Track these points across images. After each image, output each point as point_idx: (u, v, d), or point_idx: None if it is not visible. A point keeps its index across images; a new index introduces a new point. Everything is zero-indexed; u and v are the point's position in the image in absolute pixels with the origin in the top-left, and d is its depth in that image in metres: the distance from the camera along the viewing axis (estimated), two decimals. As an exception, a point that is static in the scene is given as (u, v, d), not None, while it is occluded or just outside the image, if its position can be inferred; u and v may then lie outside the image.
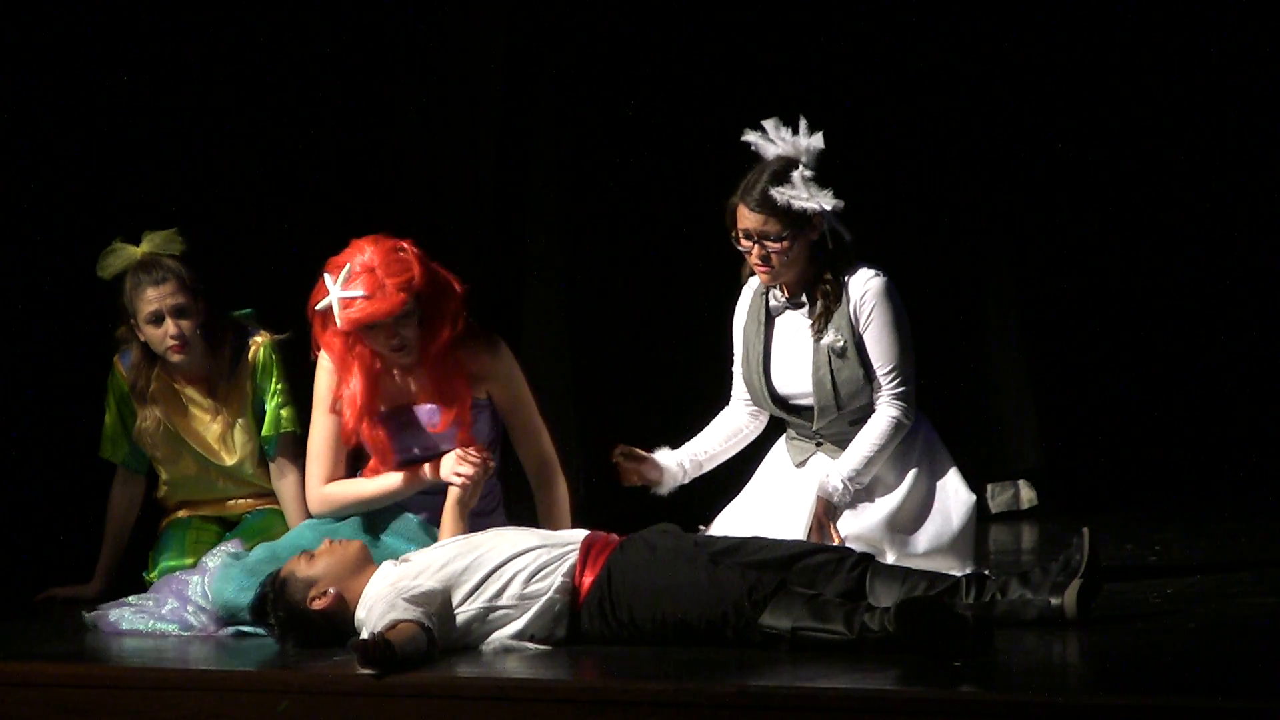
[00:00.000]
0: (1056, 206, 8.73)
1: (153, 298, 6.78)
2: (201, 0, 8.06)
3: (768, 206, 6.19)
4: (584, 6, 8.41)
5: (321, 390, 6.44)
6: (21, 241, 7.81)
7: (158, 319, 6.79)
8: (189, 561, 6.77)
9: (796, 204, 6.17)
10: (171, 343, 6.79)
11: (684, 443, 6.54)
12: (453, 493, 6.26)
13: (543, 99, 8.46)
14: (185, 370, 6.89)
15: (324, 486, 6.43)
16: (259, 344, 6.92)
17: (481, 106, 8.43)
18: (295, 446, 6.89)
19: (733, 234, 6.26)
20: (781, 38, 8.42)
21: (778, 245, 6.20)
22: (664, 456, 6.46)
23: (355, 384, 6.35)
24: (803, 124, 6.23)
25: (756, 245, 6.22)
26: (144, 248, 6.87)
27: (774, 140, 6.24)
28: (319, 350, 6.41)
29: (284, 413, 6.92)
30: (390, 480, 6.37)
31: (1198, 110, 8.68)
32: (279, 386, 6.92)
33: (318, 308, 6.28)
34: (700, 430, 6.58)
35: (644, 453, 6.41)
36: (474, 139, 8.44)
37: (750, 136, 6.27)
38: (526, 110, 8.44)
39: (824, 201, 6.17)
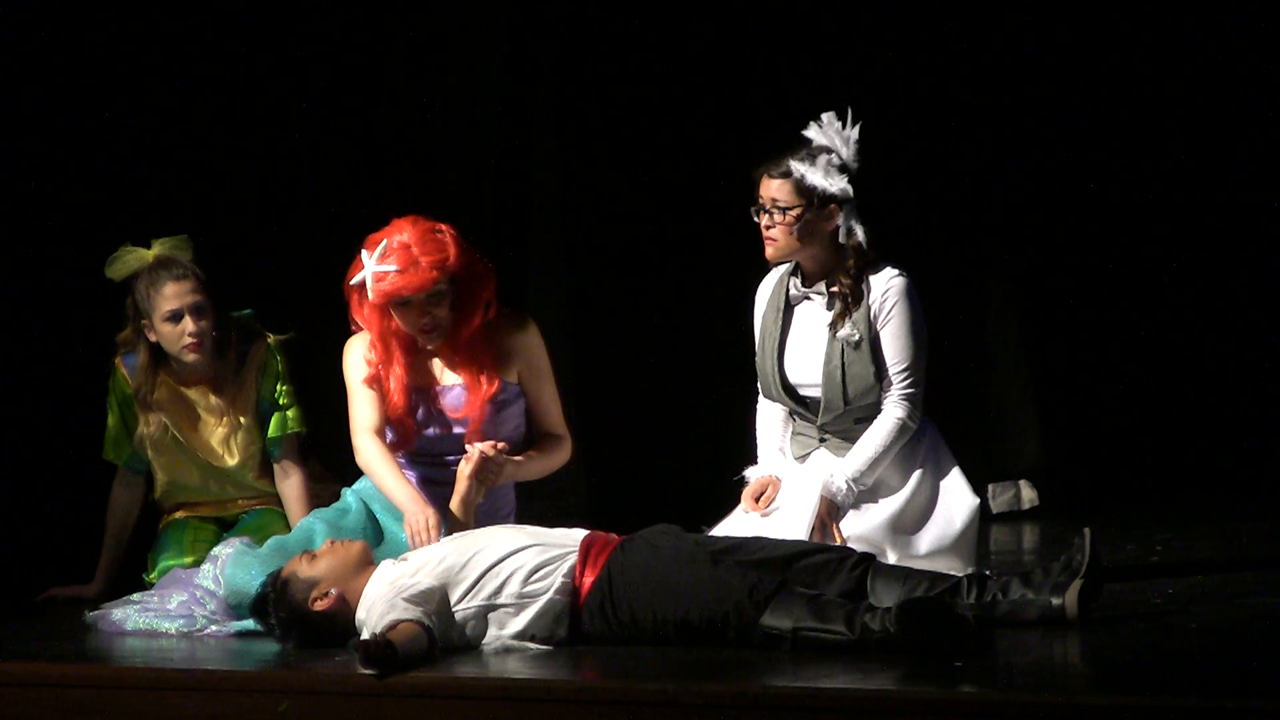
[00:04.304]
0: (1058, 206, 8.72)
1: (171, 294, 6.77)
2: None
3: (783, 174, 6.30)
4: (585, 3, 8.41)
5: (354, 367, 6.45)
6: (23, 244, 7.81)
7: (176, 317, 6.78)
8: (188, 560, 6.77)
9: (809, 178, 6.25)
10: (189, 340, 6.78)
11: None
12: (459, 490, 6.25)
13: (545, 91, 8.46)
14: (193, 372, 6.88)
15: (373, 436, 6.35)
16: (265, 345, 6.92)
17: (483, 99, 8.44)
18: (299, 447, 6.91)
19: (754, 206, 6.34)
20: (784, 34, 8.42)
21: (783, 217, 6.27)
22: (770, 468, 6.44)
23: (397, 358, 6.37)
24: (849, 116, 6.34)
25: (766, 215, 6.29)
26: (155, 251, 6.86)
27: (825, 131, 6.35)
28: (356, 326, 6.42)
29: (290, 414, 6.92)
30: (410, 497, 6.29)
31: (1199, 110, 8.68)
32: (285, 388, 6.92)
33: (353, 282, 6.30)
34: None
35: (764, 481, 6.39)
36: (476, 133, 8.44)
37: (809, 131, 6.37)
38: (528, 103, 8.45)
39: (834, 183, 6.23)
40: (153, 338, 6.83)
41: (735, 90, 8.39)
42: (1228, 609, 5.87)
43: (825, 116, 6.36)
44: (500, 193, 8.49)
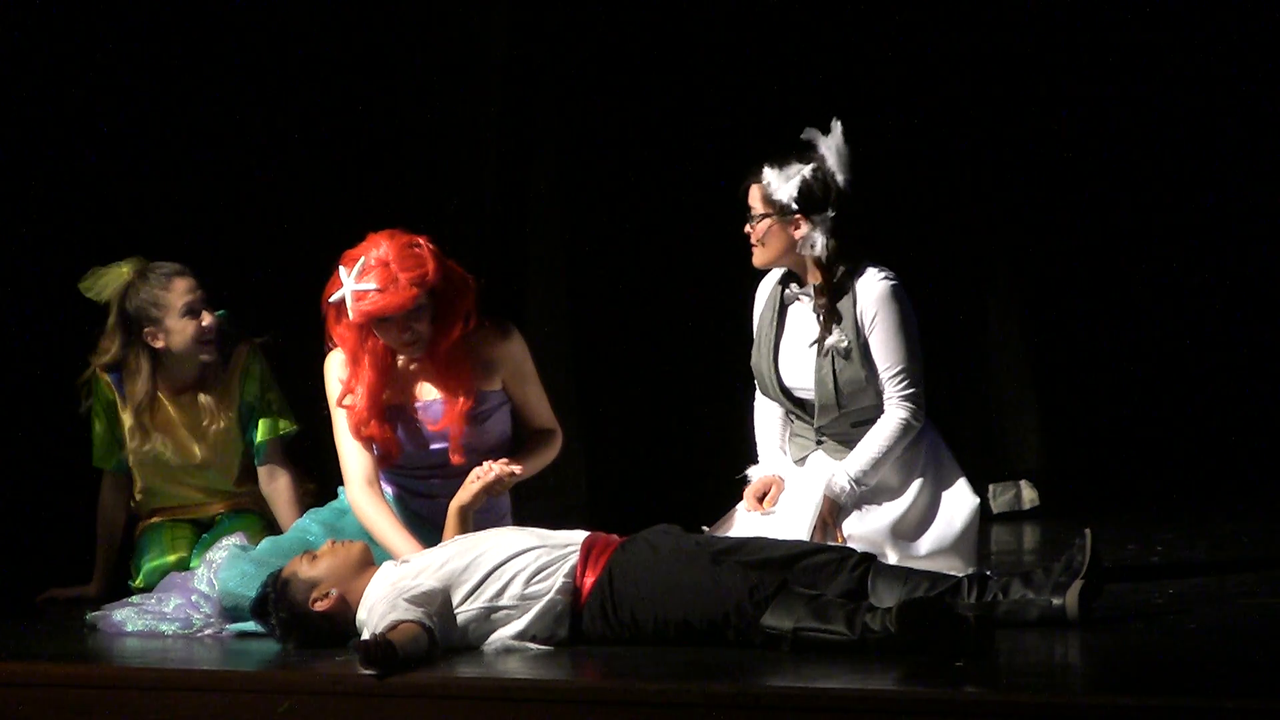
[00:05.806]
0: (1059, 206, 8.73)
1: (183, 289, 6.74)
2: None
3: (756, 182, 6.30)
4: (584, 4, 8.41)
5: (334, 387, 6.42)
6: (16, 249, 7.80)
7: (193, 311, 6.74)
8: (171, 559, 6.77)
9: (772, 186, 6.25)
10: (208, 336, 6.75)
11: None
12: (459, 496, 6.23)
13: (544, 94, 8.46)
14: (183, 378, 6.84)
15: (367, 489, 6.33)
16: (245, 349, 6.88)
17: (482, 102, 8.43)
18: (284, 449, 6.89)
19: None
20: (782, 35, 8.42)
21: (754, 225, 6.29)
22: (771, 467, 6.44)
23: (366, 377, 6.34)
24: (838, 128, 6.28)
25: (748, 222, 6.32)
26: (132, 265, 6.82)
27: (827, 139, 6.29)
28: (332, 343, 6.40)
29: (277, 417, 6.89)
30: (409, 547, 6.22)
31: (1200, 110, 8.68)
32: (270, 391, 6.89)
33: (331, 300, 6.27)
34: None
35: (767, 480, 6.40)
36: (475, 135, 8.44)
37: (809, 133, 6.33)
38: (527, 106, 8.44)
39: (792, 194, 6.20)
40: (159, 344, 6.77)
41: (734, 92, 8.39)
42: (1228, 609, 5.88)
43: (835, 125, 6.28)
44: (500, 192, 8.48)
